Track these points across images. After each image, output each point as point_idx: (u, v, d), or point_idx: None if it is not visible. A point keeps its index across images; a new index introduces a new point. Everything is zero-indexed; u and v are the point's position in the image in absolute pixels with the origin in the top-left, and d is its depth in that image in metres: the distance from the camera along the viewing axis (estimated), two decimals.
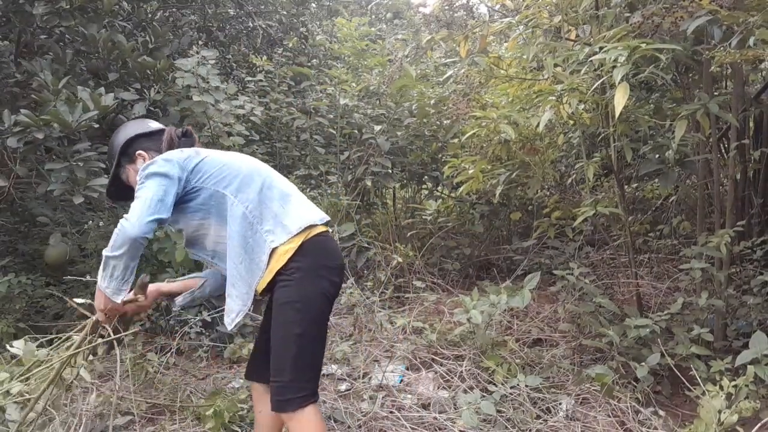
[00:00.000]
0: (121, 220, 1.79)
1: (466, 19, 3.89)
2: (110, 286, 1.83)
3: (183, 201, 1.91)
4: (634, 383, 2.83)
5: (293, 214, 1.91)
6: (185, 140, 2.08)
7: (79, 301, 2.28)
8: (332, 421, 2.62)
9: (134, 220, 1.75)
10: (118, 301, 1.86)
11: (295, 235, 1.87)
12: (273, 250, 1.86)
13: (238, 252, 1.87)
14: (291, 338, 1.85)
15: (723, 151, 3.78)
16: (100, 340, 2.05)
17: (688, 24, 2.60)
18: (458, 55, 3.89)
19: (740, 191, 3.67)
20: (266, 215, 1.89)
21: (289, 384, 1.85)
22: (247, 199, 1.89)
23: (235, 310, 1.90)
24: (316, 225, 1.94)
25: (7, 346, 2.32)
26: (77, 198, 3.15)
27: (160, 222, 1.82)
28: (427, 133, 5.34)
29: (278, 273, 1.86)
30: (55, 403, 2.22)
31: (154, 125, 2.12)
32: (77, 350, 2.04)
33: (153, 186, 1.81)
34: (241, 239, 1.86)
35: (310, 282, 1.88)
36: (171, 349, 3.20)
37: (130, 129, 2.10)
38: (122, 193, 2.14)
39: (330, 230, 2.01)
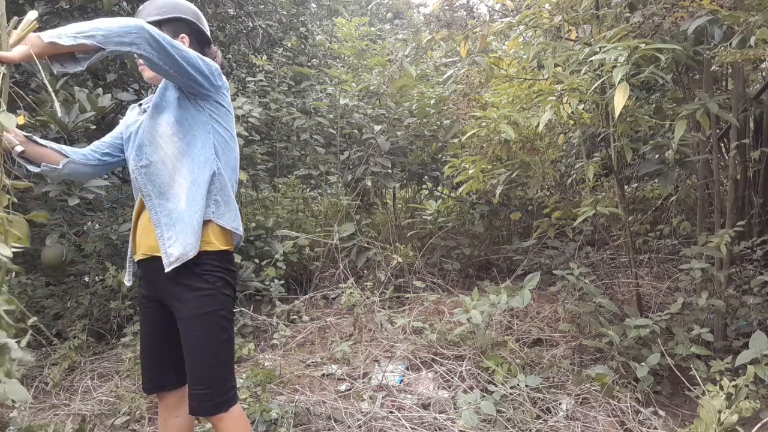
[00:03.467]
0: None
1: (467, 18, 3.88)
2: (74, 36, 1.48)
3: (184, 105, 1.78)
4: (634, 383, 2.83)
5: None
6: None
7: None
8: (332, 421, 2.62)
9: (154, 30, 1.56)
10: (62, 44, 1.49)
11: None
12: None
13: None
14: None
15: (723, 151, 3.78)
16: None
17: (688, 24, 2.60)
18: (458, 54, 3.89)
19: (740, 191, 3.67)
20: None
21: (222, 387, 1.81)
22: (223, 172, 1.82)
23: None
24: None
25: None
26: (72, 199, 3.16)
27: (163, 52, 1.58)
28: (427, 133, 5.34)
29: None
30: None
31: (207, 32, 1.99)
32: None
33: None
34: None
35: None
36: None
37: (200, 14, 1.95)
38: None
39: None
